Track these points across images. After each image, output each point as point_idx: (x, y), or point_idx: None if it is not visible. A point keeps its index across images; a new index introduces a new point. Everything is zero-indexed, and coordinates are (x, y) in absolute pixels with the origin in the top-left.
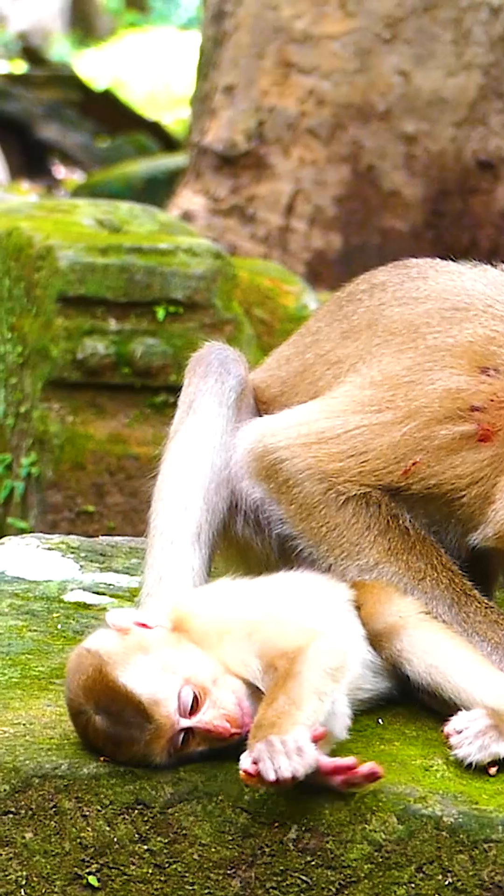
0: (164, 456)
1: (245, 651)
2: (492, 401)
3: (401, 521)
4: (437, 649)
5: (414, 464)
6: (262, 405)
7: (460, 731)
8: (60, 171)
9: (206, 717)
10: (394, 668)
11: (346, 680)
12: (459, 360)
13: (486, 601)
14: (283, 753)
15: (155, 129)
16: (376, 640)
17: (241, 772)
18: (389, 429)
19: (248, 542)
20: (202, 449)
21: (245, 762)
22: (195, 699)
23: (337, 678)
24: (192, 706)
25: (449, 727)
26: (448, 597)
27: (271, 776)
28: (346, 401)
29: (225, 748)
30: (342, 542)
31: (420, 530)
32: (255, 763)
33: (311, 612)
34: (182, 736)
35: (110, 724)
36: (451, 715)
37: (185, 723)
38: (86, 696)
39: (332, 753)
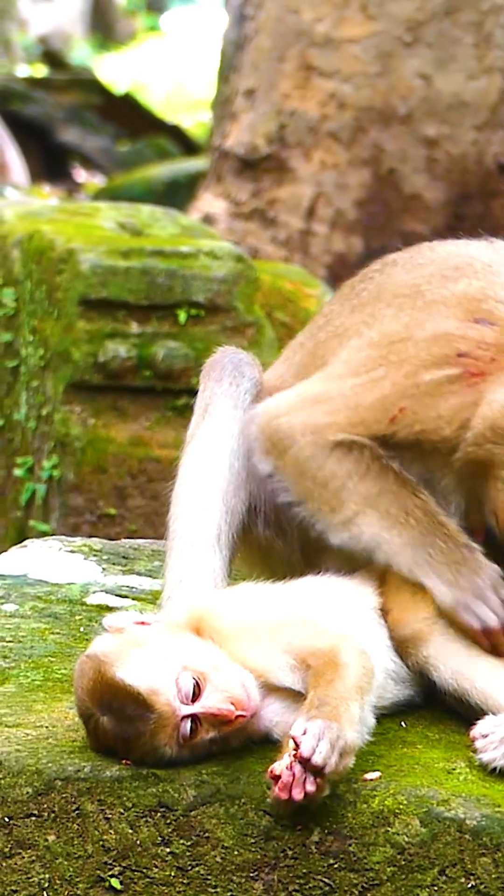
0: (182, 460)
1: (269, 646)
2: (480, 347)
3: (383, 465)
4: (464, 656)
5: (401, 410)
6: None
7: (486, 736)
8: (81, 174)
9: (210, 702)
10: (420, 674)
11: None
12: (453, 310)
13: (464, 543)
14: (332, 744)
15: (175, 133)
16: (403, 646)
17: (290, 735)
18: (380, 383)
19: (270, 543)
20: (219, 452)
21: (298, 726)
22: (196, 685)
23: (370, 679)
24: (194, 693)
25: (475, 731)
26: (417, 542)
27: (307, 753)
28: (344, 364)
29: (236, 735)
30: (327, 495)
31: (404, 475)
32: (304, 732)
33: (338, 616)
34: (188, 724)
35: (116, 722)
36: (478, 719)
37: (188, 709)
38: (90, 699)
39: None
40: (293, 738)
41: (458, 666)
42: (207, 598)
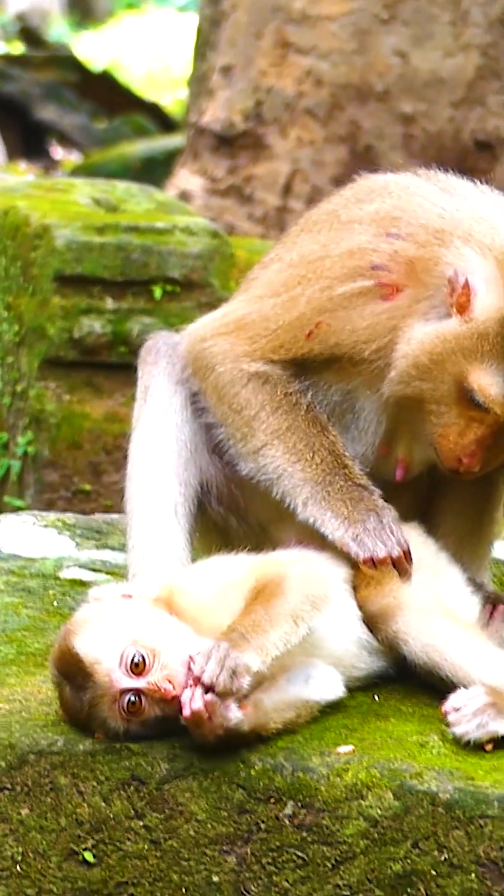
0: (131, 444)
1: (238, 604)
2: (392, 259)
3: (295, 401)
4: (433, 630)
5: (317, 325)
6: None
7: (458, 709)
8: (58, 151)
9: (152, 678)
10: (391, 649)
11: (328, 611)
12: (366, 227)
13: (363, 484)
14: (221, 664)
15: (153, 110)
16: (372, 622)
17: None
18: (298, 300)
19: (226, 521)
20: (165, 428)
21: (192, 665)
22: (144, 661)
23: (318, 607)
24: (141, 668)
25: (447, 705)
26: (318, 478)
27: (196, 671)
28: (264, 285)
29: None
30: (240, 423)
31: (316, 413)
32: (194, 660)
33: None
34: (128, 698)
35: (72, 690)
36: (450, 692)
37: (127, 683)
38: (56, 668)
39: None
40: (190, 657)
41: (428, 639)
42: (177, 573)
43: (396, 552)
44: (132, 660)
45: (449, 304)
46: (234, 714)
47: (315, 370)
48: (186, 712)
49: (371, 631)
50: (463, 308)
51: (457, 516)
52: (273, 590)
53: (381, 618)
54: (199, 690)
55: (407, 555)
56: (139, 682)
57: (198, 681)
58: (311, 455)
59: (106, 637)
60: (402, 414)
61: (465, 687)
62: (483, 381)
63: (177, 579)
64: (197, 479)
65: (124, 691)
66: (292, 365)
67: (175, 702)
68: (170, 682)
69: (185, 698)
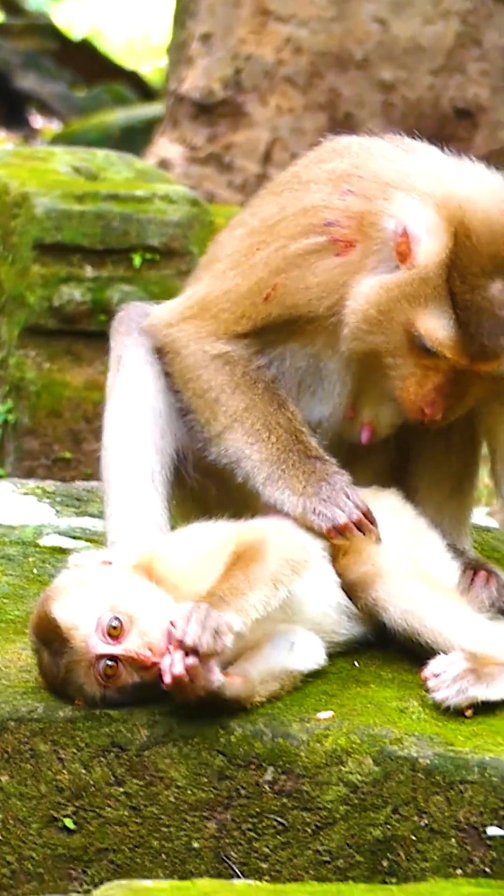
0: (106, 414)
1: (218, 569)
2: (345, 214)
3: (253, 379)
4: (412, 596)
5: (273, 287)
6: None
7: (438, 675)
8: (38, 120)
9: (129, 645)
10: (370, 617)
11: (308, 576)
12: (323, 185)
13: (318, 456)
14: (202, 624)
15: (132, 79)
16: (352, 590)
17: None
18: (256, 267)
19: (203, 488)
20: (140, 397)
21: (174, 629)
22: (120, 626)
23: (297, 570)
24: (117, 634)
25: (427, 671)
26: (274, 458)
27: (178, 634)
28: (228, 258)
29: (157, 683)
30: (204, 407)
31: (274, 389)
32: (176, 627)
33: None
34: (104, 664)
35: (49, 656)
36: (429, 658)
37: (103, 649)
38: (34, 634)
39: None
40: (170, 622)
41: (407, 606)
42: (156, 540)
43: (356, 515)
44: (109, 625)
45: (395, 257)
46: (217, 677)
47: (279, 339)
48: (167, 679)
49: (351, 599)
50: (404, 256)
51: (435, 481)
52: (252, 555)
53: (360, 586)
54: (178, 655)
55: (367, 515)
56: (115, 648)
57: (179, 644)
58: (268, 435)
59: (84, 603)
60: (365, 373)
61: (444, 653)
62: (429, 325)
63: (156, 546)
64: (173, 446)
65: (100, 657)
66: (257, 338)
67: (154, 669)
68: (149, 649)
69: (164, 665)
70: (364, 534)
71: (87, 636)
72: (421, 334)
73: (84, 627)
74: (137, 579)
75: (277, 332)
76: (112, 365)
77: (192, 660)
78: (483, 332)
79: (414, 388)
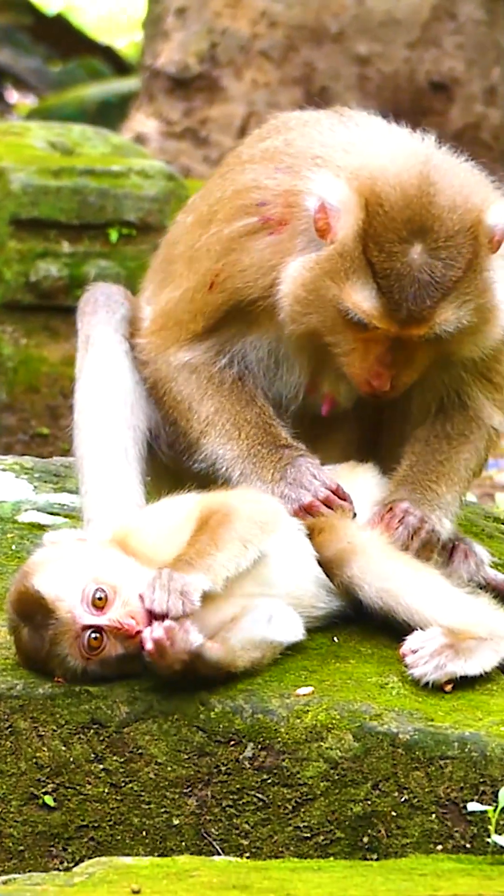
0: (76, 394)
1: (185, 539)
2: (275, 193)
3: (217, 381)
4: (389, 573)
5: (216, 274)
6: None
7: (416, 651)
8: (13, 95)
9: (113, 615)
10: (347, 594)
11: (276, 537)
12: (258, 165)
13: (287, 444)
14: (167, 589)
15: (108, 53)
16: (328, 567)
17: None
18: (200, 257)
19: (178, 464)
20: (110, 375)
21: (144, 598)
22: (105, 598)
23: (266, 530)
24: (102, 605)
25: (405, 647)
26: (246, 453)
27: (147, 604)
28: (181, 255)
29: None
30: (179, 418)
31: (242, 385)
32: (146, 596)
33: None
34: (89, 635)
35: (30, 631)
36: (406, 635)
37: (89, 619)
38: (14, 609)
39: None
40: (139, 595)
41: (383, 583)
42: (130, 515)
43: (322, 493)
44: (94, 595)
45: (316, 233)
46: (195, 636)
47: (237, 336)
48: (149, 645)
49: (328, 577)
50: (324, 232)
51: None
52: (218, 518)
53: (337, 563)
54: (156, 623)
55: (337, 492)
56: (101, 619)
57: (149, 613)
58: (238, 433)
59: (66, 575)
60: (316, 352)
61: (422, 629)
62: (354, 298)
63: (129, 521)
64: (145, 423)
65: (86, 627)
66: (215, 339)
67: (138, 638)
68: (132, 618)
69: (145, 634)
70: (334, 510)
71: (73, 607)
72: (348, 308)
73: (69, 599)
74: (115, 553)
75: (232, 326)
76: (80, 345)
77: (168, 623)
78: (407, 297)
79: (358, 362)
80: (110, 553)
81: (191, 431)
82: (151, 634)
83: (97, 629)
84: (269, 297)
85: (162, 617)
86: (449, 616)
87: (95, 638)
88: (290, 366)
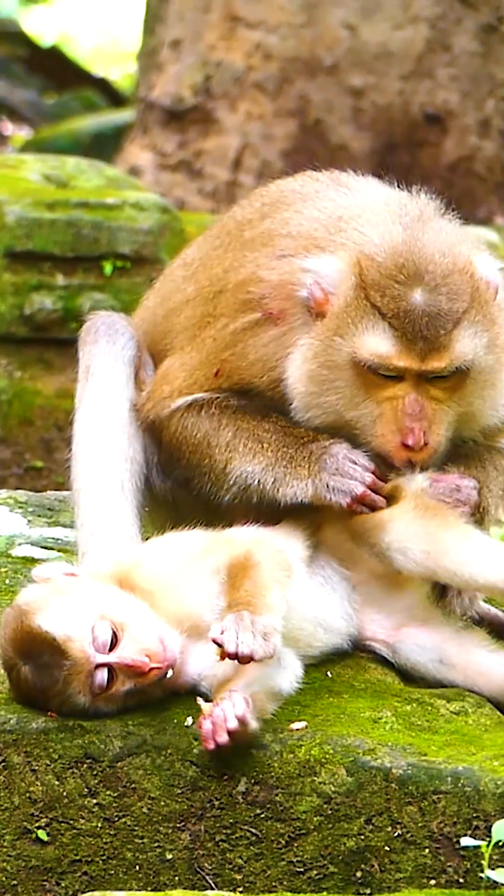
0: (75, 424)
1: (195, 581)
2: (276, 285)
3: (229, 410)
4: (428, 534)
5: (222, 363)
6: (152, 345)
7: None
8: (8, 127)
9: (125, 653)
10: (383, 559)
11: (294, 581)
12: (260, 249)
13: (311, 437)
14: (251, 631)
15: (102, 85)
16: (364, 538)
17: (210, 639)
18: (205, 341)
19: (175, 496)
20: (108, 406)
21: (215, 630)
22: (114, 635)
23: (289, 573)
24: (111, 643)
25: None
26: (274, 461)
27: (231, 648)
28: (184, 332)
29: (154, 687)
30: (200, 458)
31: (249, 406)
32: (222, 633)
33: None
34: (103, 674)
35: (34, 670)
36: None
37: (102, 658)
38: (12, 648)
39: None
40: (214, 641)
41: (425, 545)
42: (130, 551)
43: (368, 478)
44: (104, 634)
45: (312, 312)
46: (253, 722)
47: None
48: (211, 745)
49: (360, 545)
50: (322, 303)
51: None
52: (246, 564)
53: (373, 532)
54: (228, 709)
55: (376, 473)
56: (112, 657)
57: (234, 656)
58: (261, 446)
59: (72, 614)
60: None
61: (467, 586)
62: (370, 344)
63: (133, 556)
64: (142, 455)
65: (99, 666)
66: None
67: (151, 674)
68: (146, 655)
69: (206, 731)
70: (380, 493)
71: (86, 647)
72: (366, 358)
73: (79, 638)
74: (115, 589)
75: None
76: (81, 375)
77: (240, 710)
78: (420, 329)
79: (387, 426)
80: (111, 590)
81: (216, 465)
82: (218, 735)
83: (109, 667)
84: (275, 389)
85: (245, 659)
86: (496, 570)
87: (109, 680)
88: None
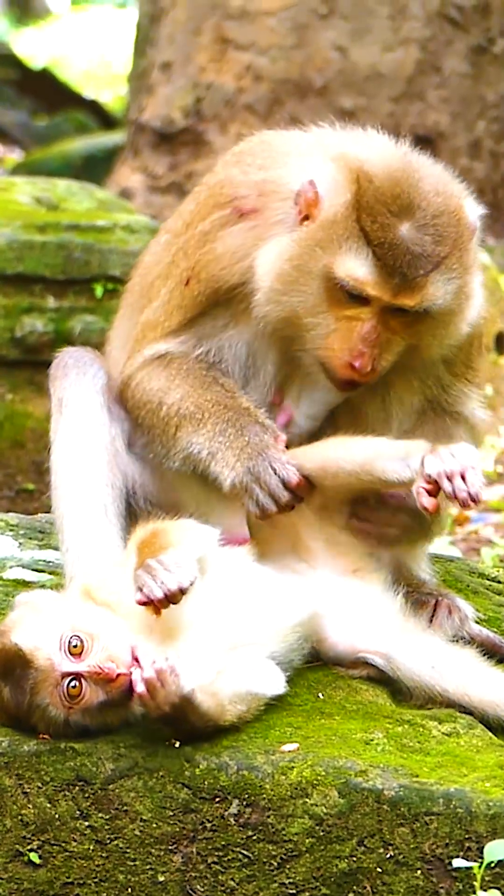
0: (53, 455)
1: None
2: (247, 185)
3: (185, 369)
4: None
5: (192, 270)
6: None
7: None
8: None
9: (93, 661)
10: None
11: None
12: (230, 166)
13: (258, 421)
14: (164, 569)
15: (93, 107)
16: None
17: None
18: (177, 263)
19: (155, 518)
20: (85, 434)
21: (136, 594)
22: (81, 645)
23: (200, 537)
24: (80, 652)
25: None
26: (212, 434)
27: (158, 593)
28: (157, 278)
29: (124, 698)
30: (155, 421)
31: (205, 370)
32: (140, 590)
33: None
34: (69, 682)
35: (11, 687)
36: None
37: (68, 666)
38: None
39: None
40: (138, 602)
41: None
42: (95, 568)
43: (285, 499)
44: (70, 643)
45: (298, 215)
46: (186, 682)
47: (215, 331)
48: (140, 688)
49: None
50: (311, 207)
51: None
52: (151, 534)
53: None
54: (147, 661)
55: (298, 487)
56: (80, 666)
57: (149, 602)
58: (203, 415)
59: (43, 626)
60: (289, 353)
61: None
62: (348, 265)
63: (88, 577)
64: (122, 480)
65: (65, 675)
66: (193, 332)
67: (119, 681)
68: (112, 661)
69: (135, 676)
70: (300, 500)
71: (51, 654)
72: (341, 277)
73: (47, 647)
74: (89, 604)
75: (209, 320)
76: (54, 408)
77: (160, 666)
78: (402, 264)
79: (339, 343)
80: (83, 604)
81: (164, 430)
82: (143, 675)
83: (76, 676)
84: (245, 283)
85: (171, 597)
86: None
87: (74, 686)
88: (261, 368)
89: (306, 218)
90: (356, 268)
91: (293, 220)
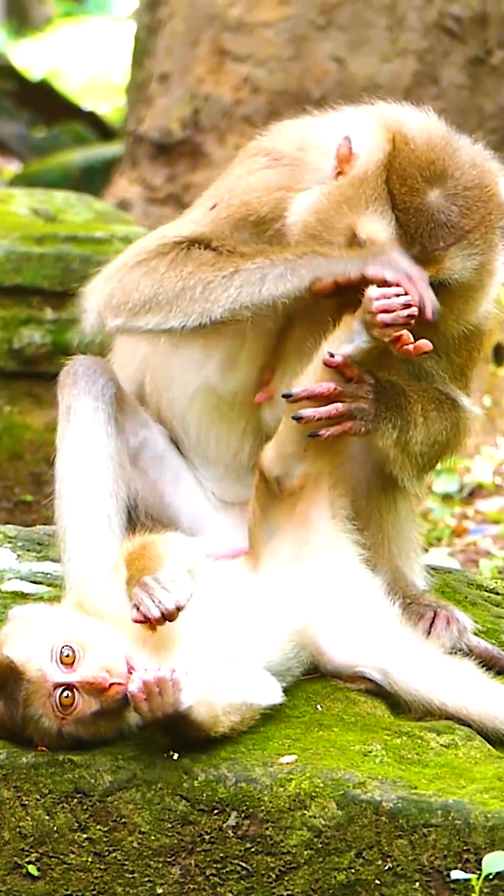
0: (58, 463)
1: (118, 590)
2: (282, 142)
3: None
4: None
5: (223, 194)
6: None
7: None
8: None
9: (85, 671)
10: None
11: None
12: (272, 134)
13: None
14: (161, 588)
15: (92, 119)
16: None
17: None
18: (209, 201)
19: (158, 531)
20: (91, 444)
21: (133, 612)
22: (73, 655)
23: (187, 549)
24: (72, 663)
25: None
26: (259, 273)
27: (155, 612)
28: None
29: (118, 708)
30: (174, 296)
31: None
32: (137, 608)
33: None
34: (61, 693)
35: (5, 699)
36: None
37: (61, 677)
38: None
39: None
40: (135, 621)
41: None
42: (88, 580)
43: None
44: (62, 653)
45: (334, 169)
46: (187, 697)
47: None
48: (134, 687)
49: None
50: (346, 161)
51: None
52: (140, 547)
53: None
54: (143, 667)
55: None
56: (72, 676)
57: (157, 619)
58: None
59: (34, 638)
60: (293, 323)
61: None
62: (371, 227)
63: (81, 589)
64: (125, 492)
65: (57, 685)
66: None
67: (112, 690)
68: (106, 671)
69: (134, 677)
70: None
71: (43, 665)
72: (362, 238)
73: (38, 659)
74: (80, 616)
75: (229, 242)
76: (61, 416)
77: (160, 675)
78: (423, 233)
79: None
80: (76, 615)
81: (216, 275)
82: (142, 677)
83: (68, 687)
84: (274, 220)
85: (157, 620)
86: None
87: (66, 696)
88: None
89: (340, 173)
90: (377, 231)
91: (329, 174)
